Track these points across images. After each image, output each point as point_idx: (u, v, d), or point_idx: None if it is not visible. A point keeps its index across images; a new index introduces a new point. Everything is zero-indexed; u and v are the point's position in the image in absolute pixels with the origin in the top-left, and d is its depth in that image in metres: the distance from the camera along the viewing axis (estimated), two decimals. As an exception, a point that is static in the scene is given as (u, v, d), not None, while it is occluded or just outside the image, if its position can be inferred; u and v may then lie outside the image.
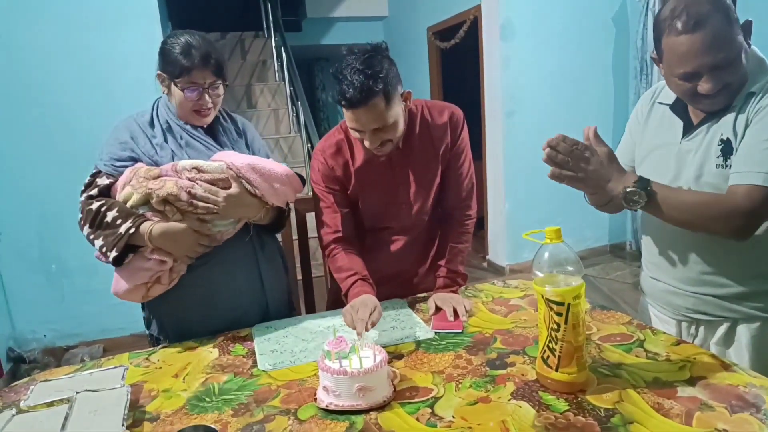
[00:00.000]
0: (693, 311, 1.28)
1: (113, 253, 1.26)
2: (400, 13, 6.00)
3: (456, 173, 1.52)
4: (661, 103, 1.32)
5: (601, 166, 1.14)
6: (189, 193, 1.26)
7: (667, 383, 0.98)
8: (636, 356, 1.10)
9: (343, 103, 1.26)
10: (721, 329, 1.25)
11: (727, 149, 1.15)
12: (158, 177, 1.29)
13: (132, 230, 1.25)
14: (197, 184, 1.28)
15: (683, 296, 1.28)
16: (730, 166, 1.13)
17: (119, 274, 1.33)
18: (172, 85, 1.35)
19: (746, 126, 1.13)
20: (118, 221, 1.27)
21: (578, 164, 1.12)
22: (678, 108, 1.27)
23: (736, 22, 1.10)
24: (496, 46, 4.07)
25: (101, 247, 1.28)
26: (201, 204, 1.27)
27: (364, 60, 1.24)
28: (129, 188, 1.28)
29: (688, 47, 1.08)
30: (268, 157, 1.49)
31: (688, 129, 1.23)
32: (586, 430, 0.86)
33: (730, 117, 1.15)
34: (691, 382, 0.98)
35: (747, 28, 1.13)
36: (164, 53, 1.35)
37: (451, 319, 1.34)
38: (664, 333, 1.22)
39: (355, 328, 1.21)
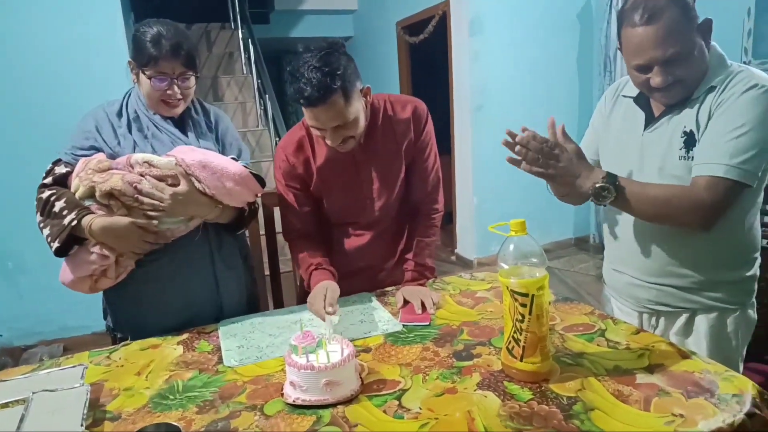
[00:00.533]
0: (654, 303, 1.32)
1: (56, 244, 1.25)
2: (370, 7, 5.98)
3: (421, 167, 1.52)
4: (625, 96, 1.35)
5: (570, 163, 1.17)
6: (135, 188, 1.23)
7: (626, 371, 1.01)
8: (598, 345, 1.13)
9: (301, 101, 1.24)
10: (681, 320, 1.30)
11: (689, 141, 1.18)
12: (108, 170, 1.25)
13: (74, 222, 1.23)
14: (145, 179, 1.25)
15: (645, 288, 1.32)
16: (693, 158, 1.17)
17: (66, 264, 1.32)
18: (141, 74, 1.31)
19: (708, 118, 1.16)
20: (65, 212, 1.25)
21: (548, 161, 1.15)
22: (641, 100, 1.30)
23: (693, 20, 1.13)
24: (465, 41, 4.10)
25: (47, 236, 1.26)
26: (146, 200, 1.24)
27: (321, 57, 1.23)
28: (77, 180, 1.25)
29: (641, 39, 1.12)
30: (240, 152, 1.46)
31: (650, 121, 1.27)
32: (549, 418, 0.88)
33: (692, 110, 1.19)
34: (650, 369, 1.01)
35: (706, 26, 1.16)
36: (135, 41, 1.32)
37: (419, 312, 1.35)
38: (625, 322, 1.26)
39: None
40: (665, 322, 1.33)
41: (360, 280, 1.56)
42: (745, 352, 1.33)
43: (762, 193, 1.24)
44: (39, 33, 2.87)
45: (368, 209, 1.51)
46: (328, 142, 1.32)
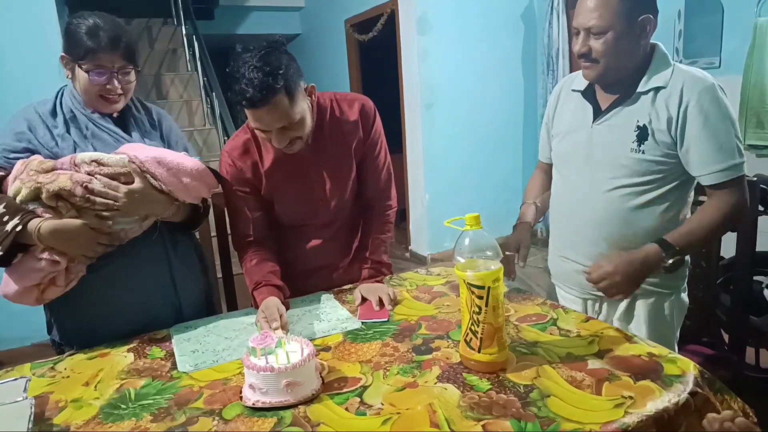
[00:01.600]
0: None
1: None
2: (317, 5, 5.93)
3: (372, 165, 1.52)
4: (574, 90, 1.41)
5: (633, 273, 1.24)
6: (86, 188, 1.17)
7: (578, 357, 1.05)
8: (550, 334, 1.17)
9: (243, 103, 1.19)
10: (622, 305, 1.37)
11: (642, 135, 1.26)
12: (52, 170, 1.18)
13: (19, 227, 1.15)
14: (95, 178, 1.19)
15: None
16: (644, 151, 1.26)
17: (8, 274, 1.22)
18: (77, 68, 1.25)
19: (675, 125, 1.23)
20: (5, 218, 1.16)
21: (628, 289, 1.26)
22: (588, 94, 1.37)
23: (632, 9, 1.20)
24: (413, 39, 4.13)
25: None
26: (99, 200, 1.18)
27: (261, 57, 1.18)
28: (18, 182, 1.17)
29: (581, 4, 1.24)
30: (186, 151, 1.42)
31: (598, 113, 1.34)
32: (507, 406, 0.91)
33: (643, 105, 1.26)
34: (600, 355, 1.06)
35: (645, 22, 1.23)
36: (69, 34, 1.24)
37: (377, 308, 1.36)
38: (575, 311, 1.31)
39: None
40: (608, 308, 1.41)
41: (316, 279, 1.55)
42: (678, 334, 1.42)
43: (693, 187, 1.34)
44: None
45: (321, 210, 1.49)
46: (275, 143, 1.28)
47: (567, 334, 1.16)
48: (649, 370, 0.98)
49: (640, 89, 1.26)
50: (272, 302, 1.29)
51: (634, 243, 1.30)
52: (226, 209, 1.55)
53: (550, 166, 1.55)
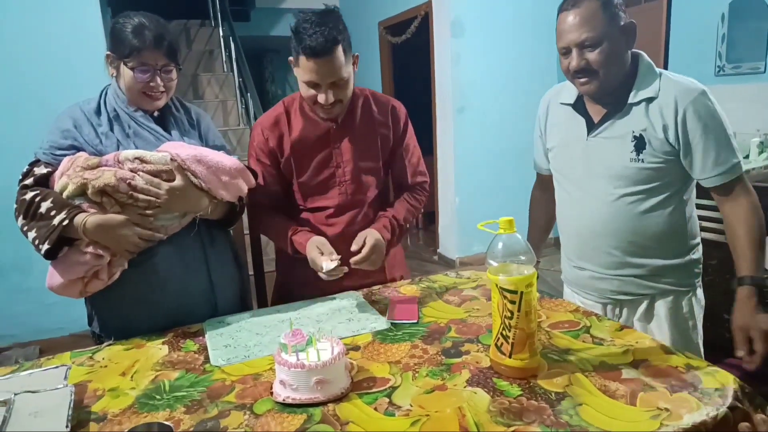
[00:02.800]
0: (617, 293, 1.40)
1: (45, 246, 1.20)
2: (351, 7, 5.96)
3: (406, 153, 1.60)
4: (562, 104, 1.43)
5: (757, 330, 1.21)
6: (129, 184, 1.21)
7: (612, 366, 1.03)
8: (583, 342, 1.15)
9: (306, 52, 1.29)
10: (642, 306, 1.39)
11: (639, 145, 1.29)
12: (97, 167, 1.22)
13: (65, 222, 1.19)
14: (138, 175, 1.23)
15: (608, 280, 1.40)
16: (642, 159, 1.28)
17: (54, 267, 1.27)
18: (122, 66, 1.29)
19: (673, 132, 1.25)
20: (52, 212, 1.20)
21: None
22: (579, 107, 1.39)
23: (615, 16, 1.23)
24: (447, 42, 4.12)
25: (34, 239, 1.22)
26: (141, 196, 1.22)
27: (325, 14, 1.32)
28: (65, 178, 1.21)
29: (564, 24, 1.25)
30: (223, 149, 1.45)
31: (591, 127, 1.35)
32: (538, 413, 0.89)
33: (637, 115, 1.28)
34: (635, 365, 1.03)
35: (630, 29, 1.26)
36: (115, 33, 1.29)
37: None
38: (609, 319, 1.28)
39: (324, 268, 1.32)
40: (628, 311, 1.42)
41: (335, 283, 1.51)
42: (701, 331, 1.43)
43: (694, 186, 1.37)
44: (14, 27, 2.80)
45: (339, 191, 1.52)
46: (322, 100, 1.35)
47: (600, 343, 1.14)
48: (686, 382, 0.96)
49: (631, 101, 1.29)
50: (321, 239, 1.37)
51: (645, 247, 1.34)
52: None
53: (548, 177, 1.57)
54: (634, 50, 1.31)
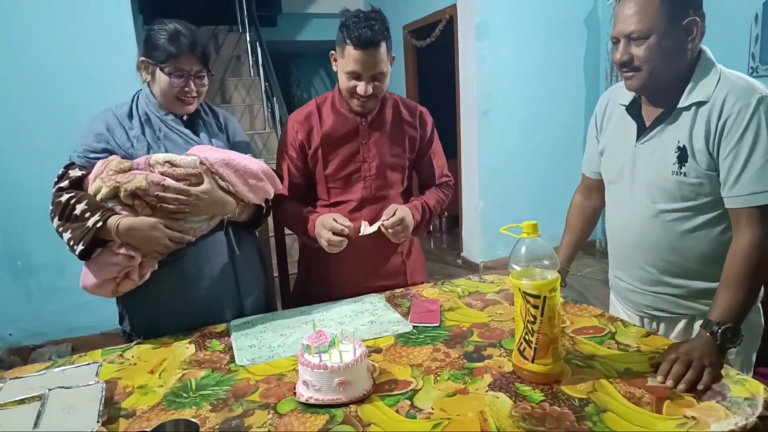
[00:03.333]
0: (652, 308, 1.33)
1: (80, 247, 1.24)
2: (376, 11, 6.00)
3: (432, 155, 1.69)
4: (620, 104, 1.35)
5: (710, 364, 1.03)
6: (161, 185, 1.24)
7: (637, 373, 1.02)
8: (608, 348, 1.13)
9: (355, 43, 1.37)
10: (680, 325, 1.30)
11: (682, 157, 1.18)
12: (129, 170, 1.26)
13: (99, 224, 1.23)
14: (168, 179, 1.26)
15: (642, 295, 1.33)
16: (685, 173, 1.17)
17: (88, 268, 1.31)
18: (158, 72, 1.33)
19: (715, 138, 1.13)
20: (87, 214, 1.24)
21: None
22: (633, 109, 1.30)
23: (675, 12, 1.13)
24: (472, 45, 4.11)
25: (69, 240, 1.26)
26: (170, 196, 1.25)
27: (372, 12, 1.42)
28: (99, 181, 1.26)
29: (617, 13, 1.19)
30: (250, 152, 1.48)
31: (642, 132, 1.27)
32: (562, 419, 0.89)
33: (684, 123, 1.18)
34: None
35: (690, 25, 1.14)
36: (150, 39, 1.33)
37: (373, 228, 1.44)
38: (634, 326, 1.26)
39: (341, 233, 1.40)
40: (665, 327, 1.33)
41: (362, 273, 1.58)
42: (755, 357, 1.31)
43: None
44: (49, 34, 2.89)
45: (362, 183, 1.56)
46: (360, 90, 1.43)
47: (626, 349, 1.12)
48: (714, 391, 0.94)
49: (681, 104, 1.17)
50: (336, 214, 1.45)
51: (685, 268, 1.23)
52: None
53: (594, 183, 1.49)
54: (701, 45, 1.19)
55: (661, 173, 1.21)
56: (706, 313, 1.20)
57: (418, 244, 1.73)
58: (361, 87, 1.43)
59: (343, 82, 1.47)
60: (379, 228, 1.45)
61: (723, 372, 1.00)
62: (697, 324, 1.24)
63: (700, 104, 1.16)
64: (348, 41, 1.39)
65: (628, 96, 1.31)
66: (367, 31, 1.37)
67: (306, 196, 1.62)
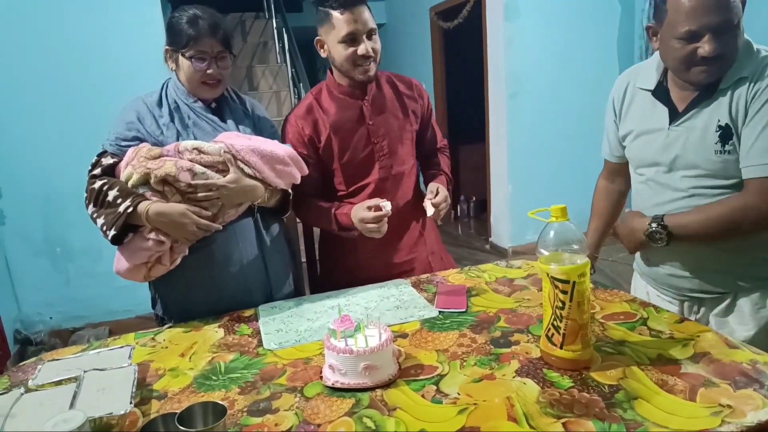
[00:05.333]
0: (697, 291, 1.30)
1: (112, 232, 1.27)
2: (403, -7, 5.93)
3: (431, 130, 1.74)
4: (641, 89, 1.32)
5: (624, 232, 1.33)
6: (189, 173, 1.27)
7: (670, 360, 0.99)
8: (639, 334, 1.10)
9: (341, 5, 1.39)
10: (723, 303, 1.28)
11: (725, 135, 1.16)
12: (159, 157, 1.28)
13: (130, 209, 1.25)
14: (196, 165, 1.28)
15: (687, 279, 1.30)
16: (729, 151, 1.16)
17: (120, 253, 1.34)
18: (180, 57, 1.35)
19: (745, 114, 1.13)
20: (119, 200, 1.27)
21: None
22: (660, 94, 1.27)
23: None
24: (500, 26, 4.02)
25: (102, 225, 1.29)
26: (201, 182, 1.28)
27: None
28: (130, 168, 1.28)
29: (696, 3, 1.09)
30: (276, 137, 1.49)
31: (675, 115, 1.24)
32: (591, 405, 0.87)
33: (723, 102, 1.16)
34: (695, 359, 0.99)
35: (743, 3, 1.12)
36: (171, 26, 1.35)
37: (426, 203, 1.47)
38: (668, 311, 1.23)
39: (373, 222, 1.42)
40: (706, 309, 1.31)
41: (384, 258, 1.60)
42: None
43: None
44: (81, 26, 2.96)
45: (378, 163, 1.57)
46: (361, 50, 1.43)
47: (658, 335, 1.09)
48: (751, 379, 0.91)
49: (723, 85, 1.15)
50: (368, 201, 1.46)
51: (738, 244, 1.21)
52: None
53: (617, 166, 1.49)
54: None
55: (702, 154, 1.19)
56: (749, 288, 1.24)
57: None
58: (361, 47, 1.43)
59: (341, 53, 1.45)
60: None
61: (761, 359, 0.96)
62: (741, 301, 1.25)
63: (738, 83, 1.14)
64: (333, 9, 1.41)
65: (649, 79, 1.29)
66: None
67: (323, 190, 1.61)
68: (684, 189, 1.24)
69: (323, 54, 1.51)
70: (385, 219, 1.43)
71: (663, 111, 1.26)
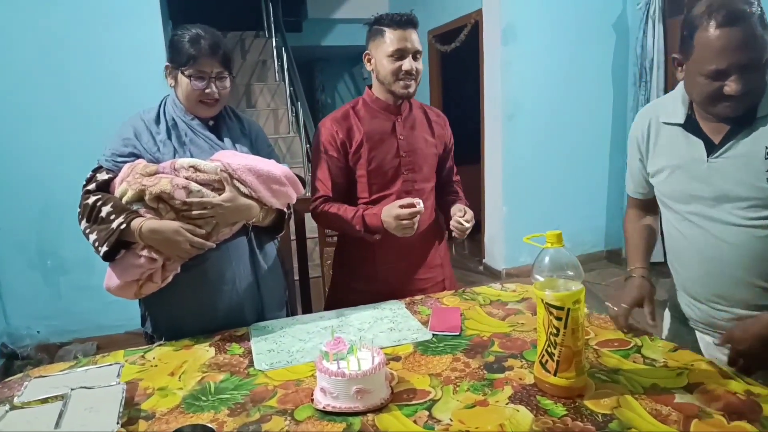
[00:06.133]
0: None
1: (104, 248, 1.25)
2: (401, 16, 6.00)
3: (450, 161, 1.83)
4: (667, 123, 1.29)
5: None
6: (184, 191, 1.26)
7: (664, 389, 0.98)
8: (634, 362, 1.10)
9: (395, 24, 1.53)
10: None
11: None
12: (155, 174, 1.28)
13: (123, 226, 1.24)
14: (192, 183, 1.27)
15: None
16: None
17: (112, 269, 1.32)
18: (179, 75, 1.35)
19: None
20: (112, 216, 1.26)
21: None
22: (691, 126, 1.24)
23: (767, 28, 1.08)
24: (497, 50, 4.08)
25: (94, 241, 1.28)
26: (195, 200, 1.27)
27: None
28: (125, 184, 1.28)
29: (725, 42, 1.07)
30: (273, 156, 1.49)
31: (712, 147, 1.20)
32: (584, 435, 0.86)
33: (765, 131, 1.14)
34: (689, 388, 0.98)
35: None
36: (173, 44, 1.36)
37: (459, 220, 1.55)
38: (662, 339, 1.22)
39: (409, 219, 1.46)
40: None
41: (398, 272, 1.66)
42: None
43: None
44: (82, 40, 2.97)
45: (402, 177, 1.64)
46: (406, 66, 1.54)
47: (652, 364, 1.09)
48: (746, 410, 0.90)
49: (760, 113, 1.14)
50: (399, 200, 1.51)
51: None
52: (310, 176, 1.77)
53: (643, 202, 1.45)
54: None
55: (751, 182, 1.15)
56: None
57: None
58: (406, 63, 1.54)
59: (386, 67, 1.56)
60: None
61: (755, 390, 0.96)
62: None
63: None
64: (387, 26, 1.54)
65: (676, 113, 1.26)
66: (403, 15, 1.54)
67: (346, 196, 1.66)
68: (735, 223, 1.19)
69: (369, 67, 1.63)
70: (418, 216, 1.47)
71: (698, 143, 1.22)
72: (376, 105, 1.64)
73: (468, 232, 1.58)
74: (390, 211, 1.49)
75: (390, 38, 1.54)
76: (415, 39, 1.55)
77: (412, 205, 1.46)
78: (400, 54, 1.54)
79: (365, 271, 1.66)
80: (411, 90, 1.59)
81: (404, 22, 1.53)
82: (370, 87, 1.67)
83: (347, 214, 1.58)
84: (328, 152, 1.61)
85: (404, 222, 1.46)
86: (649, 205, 1.46)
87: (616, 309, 1.25)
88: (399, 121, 1.64)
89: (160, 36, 3.12)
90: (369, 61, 1.62)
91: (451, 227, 1.58)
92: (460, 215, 1.57)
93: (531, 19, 4.05)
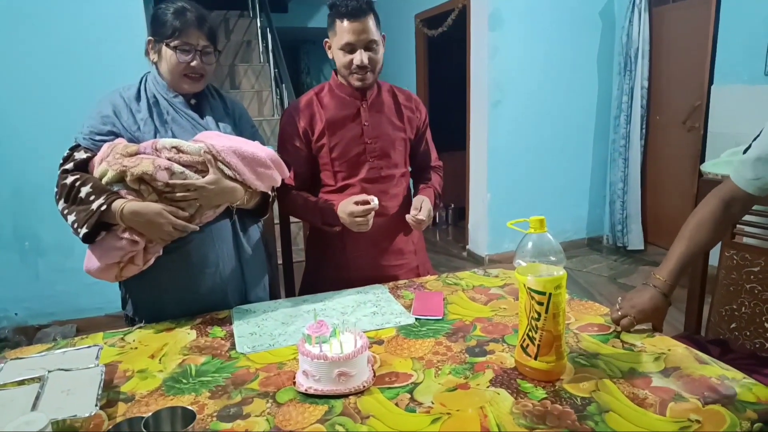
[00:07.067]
0: None
1: (84, 230, 1.22)
2: (389, -1, 5.94)
3: (426, 142, 1.77)
4: None
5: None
6: (167, 172, 1.23)
7: (642, 374, 1.00)
8: (613, 347, 1.12)
9: (343, 14, 1.44)
10: None
11: None
12: (136, 154, 1.25)
13: (104, 207, 1.21)
14: (175, 164, 1.25)
15: None
16: None
17: (92, 251, 1.30)
18: (164, 48, 1.32)
19: None
20: (92, 197, 1.23)
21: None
22: None
23: None
24: (484, 35, 4.06)
25: (73, 222, 1.24)
26: (179, 182, 1.24)
27: None
28: (105, 164, 1.24)
29: None
30: (257, 138, 1.47)
31: None
32: (563, 417, 0.88)
33: None
34: (666, 373, 1.00)
35: None
36: (157, 17, 1.33)
37: (414, 215, 1.51)
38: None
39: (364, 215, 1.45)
40: None
41: (372, 257, 1.63)
42: None
43: None
44: (59, 16, 2.88)
45: (368, 164, 1.60)
46: (357, 60, 1.48)
47: (631, 348, 1.11)
48: (720, 395, 0.92)
49: None
50: (355, 196, 1.49)
51: None
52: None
53: (742, 197, 1.21)
54: None
55: None
56: None
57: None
58: (357, 57, 1.48)
59: (340, 59, 1.52)
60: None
61: (730, 375, 0.98)
62: None
63: None
64: (337, 17, 1.46)
65: None
66: (353, 2, 1.43)
67: (310, 185, 1.64)
68: None
69: (330, 55, 1.57)
70: (372, 214, 1.46)
71: None
72: (340, 90, 1.60)
73: (425, 226, 1.56)
74: (345, 208, 1.48)
75: (340, 30, 1.47)
76: (371, 28, 1.47)
77: (367, 202, 1.45)
78: (350, 48, 1.48)
79: (335, 259, 1.65)
80: (367, 82, 1.54)
81: (354, 11, 1.44)
82: (336, 71, 1.61)
83: (307, 205, 1.57)
84: (289, 142, 1.59)
85: (358, 219, 1.46)
86: (748, 205, 1.25)
87: (619, 312, 1.18)
88: (364, 106, 1.59)
89: (141, 13, 3.04)
90: (329, 48, 1.56)
91: (407, 221, 1.54)
92: (415, 211, 1.54)
93: (518, 6, 4.03)
